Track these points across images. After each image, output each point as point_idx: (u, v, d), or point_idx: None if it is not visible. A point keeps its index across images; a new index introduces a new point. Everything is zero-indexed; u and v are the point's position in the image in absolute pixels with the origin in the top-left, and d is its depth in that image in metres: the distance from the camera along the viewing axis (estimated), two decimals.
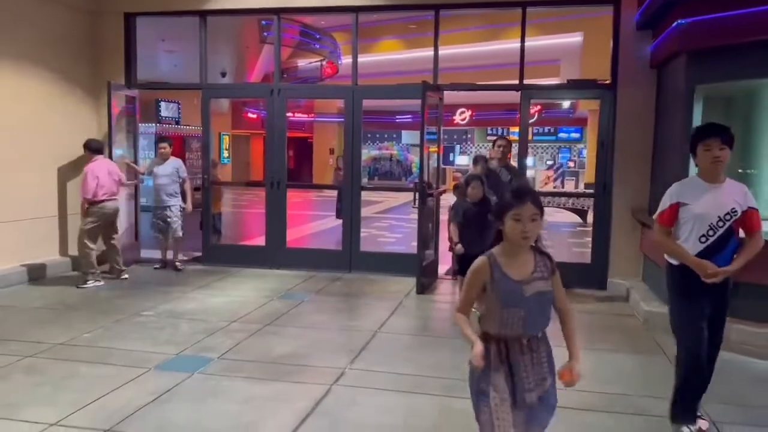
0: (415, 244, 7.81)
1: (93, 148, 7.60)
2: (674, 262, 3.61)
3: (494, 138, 7.86)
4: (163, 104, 17.19)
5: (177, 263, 8.20)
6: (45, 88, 7.97)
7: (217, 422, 3.73)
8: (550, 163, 27.73)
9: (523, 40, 7.89)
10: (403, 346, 5.38)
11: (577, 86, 8.23)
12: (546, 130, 28.49)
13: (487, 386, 2.44)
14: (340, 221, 8.91)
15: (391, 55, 17.16)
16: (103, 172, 7.38)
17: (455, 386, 4.44)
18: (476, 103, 27.79)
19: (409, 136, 29.66)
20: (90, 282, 7.25)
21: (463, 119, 28.81)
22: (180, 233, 8.18)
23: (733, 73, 6.00)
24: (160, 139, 8.97)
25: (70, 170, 8.35)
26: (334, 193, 9.13)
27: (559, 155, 28.69)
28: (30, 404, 3.91)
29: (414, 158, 28.51)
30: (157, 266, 8.30)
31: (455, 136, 32.47)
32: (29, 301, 6.59)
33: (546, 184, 23.57)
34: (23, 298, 6.68)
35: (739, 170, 6.86)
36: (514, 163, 7.59)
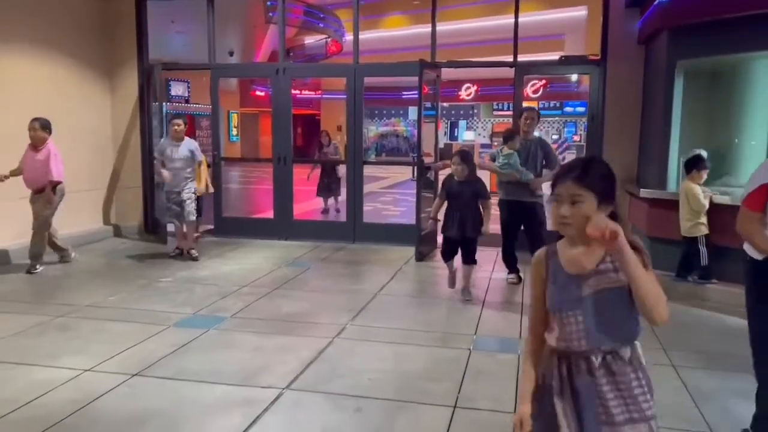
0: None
1: (51, 128, 7.04)
2: (759, 257, 2.94)
3: (522, 110, 7.02)
4: (172, 83, 17.59)
5: (192, 251, 7.61)
6: (60, 70, 8.41)
7: (230, 367, 4.23)
8: (555, 137, 27.93)
9: (516, 16, 8.23)
10: (400, 306, 5.86)
11: (568, 62, 8.56)
12: (552, 105, 28.68)
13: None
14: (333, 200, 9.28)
15: (394, 32, 17.44)
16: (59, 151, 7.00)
17: (445, 338, 4.94)
18: (482, 78, 27.95)
19: (416, 113, 30.02)
20: (69, 257, 7.34)
21: (468, 95, 29.01)
22: (193, 217, 7.56)
23: (712, 48, 6.34)
24: (174, 116, 7.96)
25: (88, 149, 8.83)
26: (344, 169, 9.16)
27: (565, 130, 28.91)
28: (66, 354, 4.42)
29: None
30: (173, 254, 7.74)
31: (461, 112, 32.67)
32: (60, 268, 7.12)
33: None
34: (54, 266, 7.20)
35: (736, 140, 7.20)
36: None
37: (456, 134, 32.84)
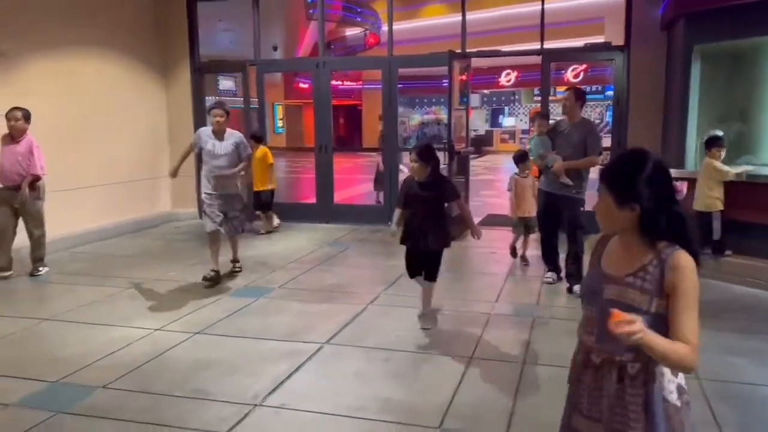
0: None
1: (31, 119, 6.57)
2: None
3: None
4: (221, 78, 18.46)
5: (236, 265, 6.55)
6: (121, 70, 9.21)
7: (277, 327, 4.88)
8: (597, 120, 27.83)
9: (543, 3, 8.58)
10: None
11: (593, 48, 8.90)
12: (594, 89, 28.54)
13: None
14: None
15: (428, 21, 17.81)
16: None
17: (467, 304, 5.48)
18: (522, 64, 28.01)
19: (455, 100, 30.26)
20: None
21: (508, 81, 29.10)
22: (240, 231, 6.54)
23: (728, 33, 6.64)
24: (214, 105, 6.39)
25: (146, 141, 9.65)
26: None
27: (607, 113, 28.75)
28: (137, 318, 5.14)
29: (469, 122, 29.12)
30: (208, 277, 6.07)
31: (503, 98, 32.78)
32: (125, 249, 7.93)
33: None
34: (119, 247, 8.02)
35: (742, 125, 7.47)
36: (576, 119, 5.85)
37: (499, 121, 32.99)
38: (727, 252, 6.40)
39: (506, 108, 32.79)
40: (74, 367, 4.09)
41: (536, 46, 8.71)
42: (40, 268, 6.65)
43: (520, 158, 7.06)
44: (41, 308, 5.49)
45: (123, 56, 9.24)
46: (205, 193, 6.15)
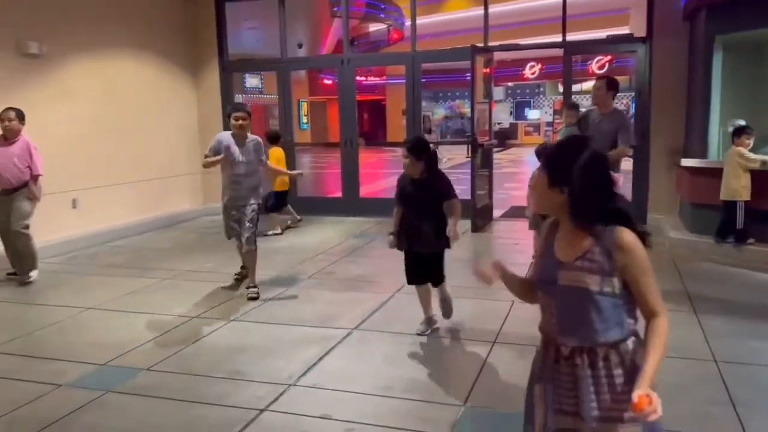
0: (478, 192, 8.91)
1: (25, 119, 6.23)
2: None
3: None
4: (247, 76, 18.80)
5: (252, 290, 5.63)
6: (154, 70, 9.54)
7: (308, 315, 5.10)
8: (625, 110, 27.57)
9: None
10: (453, 268, 6.57)
11: (615, 40, 8.96)
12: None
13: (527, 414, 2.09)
14: None
15: (452, 15, 17.88)
16: None
17: (491, 292, 5.63)
18: (546, 56, 27.86)
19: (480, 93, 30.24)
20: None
21: (533, 73, 28.98)
22: (254, 245, 5.66)
23: (749, 23, 6.70)
24: (234, 108, 5.79)
25: (180, 139, 9.97)
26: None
27: (632, 104, 28.50)
28: (175, 306, 5.40)
29: (492, 116, 29.15)
30: (230, 283, 5.98)
31: (527, 91, 32.65)
32: (160, 243, 8.25)
33: None
34: (155, 240, 8.34)
35: None
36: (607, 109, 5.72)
37: (524, 114, 32.88)
38: (750, 240, 6.46)
39: (531, 100, 32.63)
40: (119, 351, 4.37)
41: (559, 38, 8.79)
42: (30, 273, 6.26)
43: (543, 152, 7.00)
44: (84, 298, 5.79)
45: (155, 57, 9.55)
46: (225, 204, 5.70)
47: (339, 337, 4.55)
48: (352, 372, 3.98)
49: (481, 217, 8.61)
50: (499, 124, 31.15)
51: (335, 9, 13.82)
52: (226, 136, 5.65)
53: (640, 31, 8.58)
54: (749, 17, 6.56)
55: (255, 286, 5.66)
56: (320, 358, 4.18)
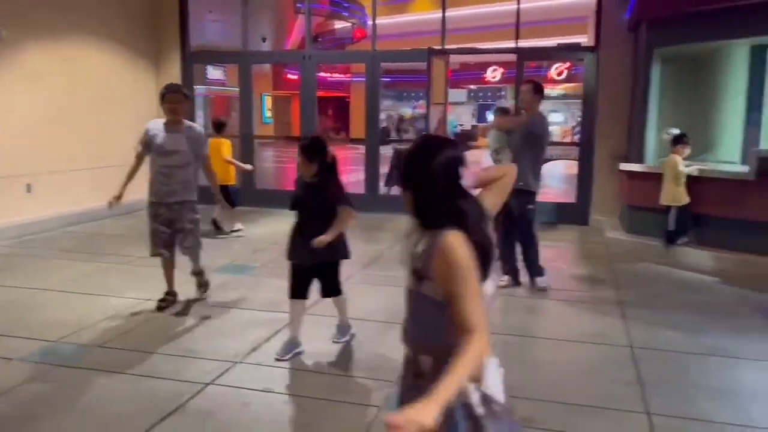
0: None
1: None
2: None
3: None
4: (210, 68, 18.77)
5: (201, 279, 5.33)
6: (114, 56, 9.57)
7: (259, 300, 5.32)
8: (580, 118, 28.27)
9: (519, 2, 9.02)
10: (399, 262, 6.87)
11: (565, 48, 9.38)
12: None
13: None
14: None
15: (413, 16, 18.20)
16: None
17: None
18: (507, 60, 28.42)
19: (451, 94, 30.61)
20: None
21: (494, 77, 29.55)
22: (199, 246, 5.17)
23: (686, 37, 7.18)
24: (166, 89, 5.08)
25: (141, 128, 9.95)
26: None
27: None
28: (129, 290, 5.55)
29: (448, 117, 29.60)
30: (163, 304, 5.03)
31: (489, 94, 33.25)
32: (115, 229, 8.32)
33: (564, 137, 24.34)
34: (110, 227, 8.40)
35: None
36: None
37: (486, 116, 33.46)
38: (680, 241, 6.91)
39: (494, 103, 33.23)
40: (73, 329, 4.51)
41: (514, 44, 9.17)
42: None
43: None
44: (38, 280, 5.87)
45: (118, 45, 9.59)
46: (150, 201, 4.98)
47: (286, 321, 4.77)
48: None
49: None
50: (461, 125, 31.71)
51: (299, 6, 13.99)
52: (156, 124, 5.05)
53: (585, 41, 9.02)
54: (686, 32, 7.03)
55: (201, 273, 5.30)
56: (267, 339, 4.41)
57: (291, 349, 4.12)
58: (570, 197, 9.47)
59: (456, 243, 1.67)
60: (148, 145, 4.99)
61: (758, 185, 6.18)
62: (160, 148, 4.94)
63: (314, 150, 3.93)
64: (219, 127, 8.14)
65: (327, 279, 4.22)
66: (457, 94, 29.56)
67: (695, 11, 6.71)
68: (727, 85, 7.81)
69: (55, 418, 3.30)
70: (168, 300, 5.07)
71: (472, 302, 1.64)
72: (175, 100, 4.96)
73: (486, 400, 1.71)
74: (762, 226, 6.19)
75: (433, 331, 1.73)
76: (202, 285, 5.36)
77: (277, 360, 4.02)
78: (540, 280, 5.74)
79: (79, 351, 4.15)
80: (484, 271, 1.73)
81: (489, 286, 1.80)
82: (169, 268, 5.14)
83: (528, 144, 5.58)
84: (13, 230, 7.64)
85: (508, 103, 31.02)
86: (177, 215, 4.94)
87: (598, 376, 3.90)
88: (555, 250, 7.24)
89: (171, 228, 4.96)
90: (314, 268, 4.11)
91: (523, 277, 5.88)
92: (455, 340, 1.61)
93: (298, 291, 4.16)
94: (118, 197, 4.98)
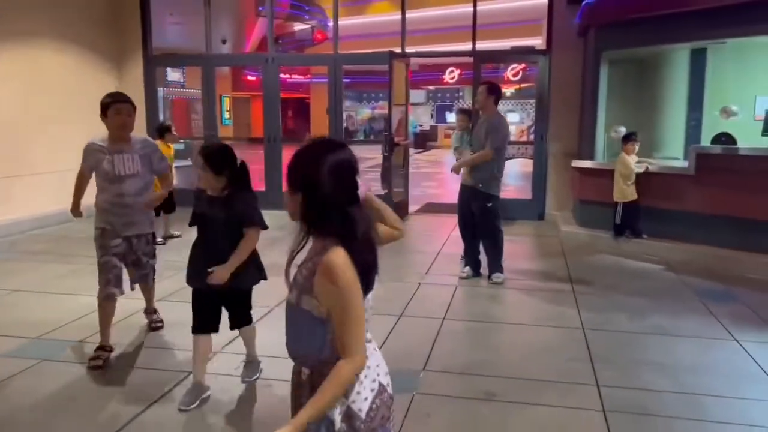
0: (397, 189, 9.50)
1: None
2: None
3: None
4: (169, 70, 18.66)
5: (155, 317, 4.77)
6: (74, 59, 9.55)
7: None
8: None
9: (475, 6, 9.40)
10: None
11: (519, 51, 9.80)
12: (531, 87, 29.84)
13: None
14: None
15: (374, 18, 18.48)
16: None
17: (400, 275, 6.22)
18: (465, 62, 28.95)
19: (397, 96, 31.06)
20: None
21: (452, 78, 30.09)
22: (153, 280, 4.66)
23: (631, 41, 7.61)
24: (113, 98, 4.29)
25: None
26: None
27: None
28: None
29: (408, 118, 30.03)
30: (99, 363, 3.99)
31: (448, 95, 33.82)
32: (82, 231, 8.33)
33: (521, 136, 24.98)
34: (76, 230, 8.43)
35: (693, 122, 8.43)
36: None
37: (444, 117, 33.99)
38: (626, 234, 7.33)
39: (452, 104, 33.79)
40: (50, 327, 4.65)
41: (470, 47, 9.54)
42: None
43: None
44: (8, 281, 5.93)
45: (79, 47, 9.60)
46: (100, 228, 4.16)
47: (261, 314, 4.98)
48: (272, 340, 4.43)
49: (397, 211, 9.17)
50: (420, 126, 32.16)
51: (260, 8, 14.13)
52: (97, 143, 4.20)
53: (540, 46, 9.45)
54: (631, 37, 7.47)
55: (155, 312, 4.80)
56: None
57: (199, 395, 3.49)
58: (527, 194, 9.88)
59: (340, 262, 1.59)
60: (92, 169, 4.22)
61: (697, 179, 6.65)
62: (108, 175, 4.07)
63: (222, 160, 3.36)
64: (162, 132, 7.51)
65: (236, 307, 3.64)
66: (416, 95, 30.01)
67: (639, 17, 7.16)
68: (670, 86, 8.32)
69: (41, 410, 3.46)
70: (103, 356, 4.04)
71: (351, 327, 1.61)
72: (128, 112, 4.12)
73: (349, 415, 1.66)
74: (701, 217, 6.66)
75: (312, 346, 1.67)
76: (157, 322, 4.75)
77: (181, 411, 3.39)
78: (495, 276, 5.96)
79: (61, 346, 4.30)
80: (366, 285, 1.67)
81: (369, 297, 1.72)
82: (111, 312, 4.21)
83: (483, 145, 5.71)
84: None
85: (466, 103, 31.71)
86: (134, 248, 4.25)
87: (554, 354, 4.24)
88: (513, 243, 7.59)
89: (124, 261, 4.26)
90: (221, 294, 3.47)
91: (484, 269, 6.21)
92: (333, 354, 1.63)
93: (204, 323, 3.49)
94: (77, 212, 4.51)
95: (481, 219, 5.85)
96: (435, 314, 5.06)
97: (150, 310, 4.78)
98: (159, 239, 6.85)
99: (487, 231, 5.92)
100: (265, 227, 3.55)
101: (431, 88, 32.59)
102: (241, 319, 3.74)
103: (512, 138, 21.27)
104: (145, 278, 4.50)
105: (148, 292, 4.72)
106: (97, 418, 3.37)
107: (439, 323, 4.85)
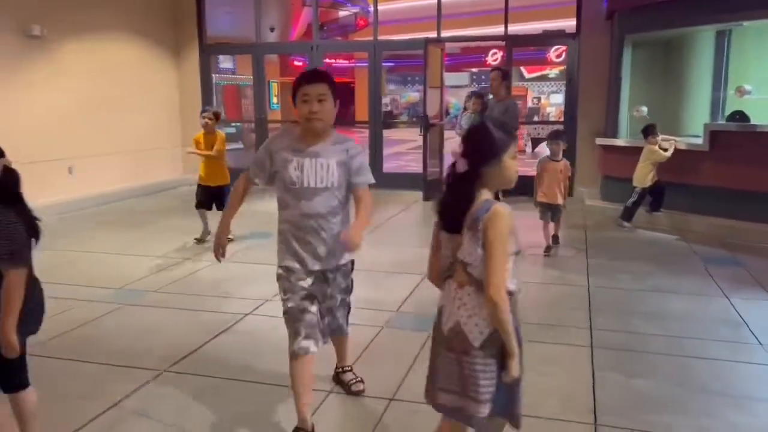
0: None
1: None
2: None
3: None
4: (221, 57, 19.62)
5: (351, 376, 3.53)
6: (138, 49, 10.50)
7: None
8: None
9: None
10: (406, 227, 7.87)
11: (550, 35, 10.23)
12: None
13: None
14: None
15: (413, 3, 18.87)
16: None
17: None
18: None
19: (452, 78, 31.24)
20: None
21: (495, 60, 30.18)
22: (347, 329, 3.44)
23: (652, 25, 8.02)
24: (308, 74, 2.96)
25: (162, 116, 10.99)
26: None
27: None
28: (171, 252, 6.53)
29: (452, 100, 30.33)
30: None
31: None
32: (148, 205, 9.32)
33: (560, 117, 25.08)
34: (142, 204, 9.40)
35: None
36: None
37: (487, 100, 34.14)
38: (627, 225, 7.64)
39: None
40: (129, 280, 5.52)
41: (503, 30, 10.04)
42: None
43: (553, 137, 6.34)
44: (88, 245, 6.86)
45: (141, 38, 10.53)
46: (284, 267, 3.09)
47: None
48: None
49: (431, 188, 9.84)
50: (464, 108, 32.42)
51: None
52: (284, 139, 3.02)
53: (572, 28, 9.87)
54: (653, 21, 7.89)
55: (350, 368, 3.55)
56: None
57: None
58: None
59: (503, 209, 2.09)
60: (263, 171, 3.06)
61: (711, 155, 7.07)
62: (292, 186, 2.94)
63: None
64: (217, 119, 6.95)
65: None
66: (459, 78, 30.30)
67: (661, 1, 7.56)
68: (694, 67, 8.67)
69: (130, 339, 4.30)
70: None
71: None
72: (321, 93, 2.87)
73: None
74: (715, 191, 7.09)
75: None
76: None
77: None
78: None
79: (139, 294, 5.15)
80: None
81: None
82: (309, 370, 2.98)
83: None
84: (58, 207, 8.62)
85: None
86: (331, 290, 3.10)
87: (556, 306, 4.87)
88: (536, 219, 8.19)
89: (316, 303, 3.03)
90: None
91: None
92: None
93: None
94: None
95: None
96: None
97: (344, 368, 3.54)
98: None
99: None
100: (22, 265, 2.42)
101: (474, 70, 32.79)
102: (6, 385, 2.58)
103: (554, 119, 21.60)
104: (341, 325, 3.30)
105: (338, 343, 3.47)
106: (177, 342, 4.19)
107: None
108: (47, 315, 2.77)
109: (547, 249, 6.32)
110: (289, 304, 3.02)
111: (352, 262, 3.21)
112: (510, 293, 2.10)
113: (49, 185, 8.59)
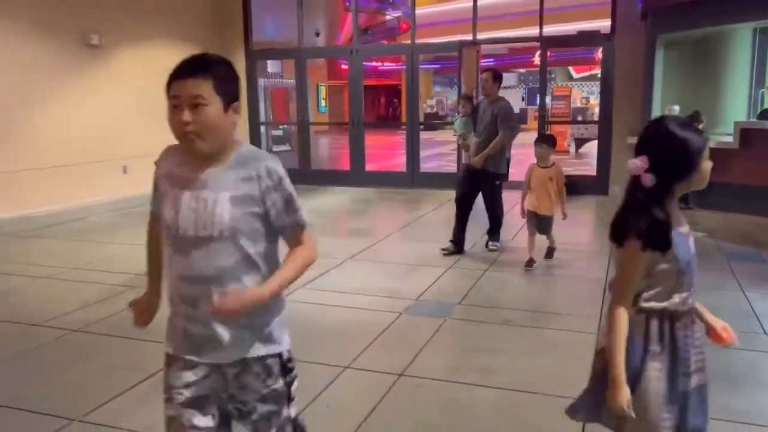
0: None
1: None
2: None
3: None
4: (269, 62, 20.30)
5: None
6: (187, 55, 11.08)
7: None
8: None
9: None
10: (435, 224, 8.12)
11: (584, 36, 10.32)
12: None
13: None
14: None
15: (451, 5, 19.11)
16: None
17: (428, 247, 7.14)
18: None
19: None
20: None
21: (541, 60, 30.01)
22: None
23: (684, 24, 8.06)
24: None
25: None
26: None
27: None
28: None
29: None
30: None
31: (539, 77, 33.75)
32: None
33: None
34: None
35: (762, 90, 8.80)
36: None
37: (535, 99, 33.98)
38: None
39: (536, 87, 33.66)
40: None
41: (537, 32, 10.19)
42: None
43: (540, 141, 5.87)
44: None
45: (188, 44, 11.07)
46: (165, 355, 2.02)
47: (336, 264, 6.11)
48: (342, 282, 5.55)
49: None
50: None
51: (347, 4, 15.31)
52: (167, 159, 2.13)
53: (607, 28, 9.95)
54: (684, 21, 7.93)
55: None
56: (321, 275, 5.74)
57: None
58: (592, 171, 10.44)
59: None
60: None
61: (741, 153, 7.09)
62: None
63: None
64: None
65: None
66: (507, 79, 30.27)
67: (692, 1, 7.61)
68: (730, 65, 8.63)
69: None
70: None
71: None
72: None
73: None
74: (745, 188, 7.10)
75: None
76: None
77: None
78: (492, 244, 6.56)
79: None
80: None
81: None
82: None
83: (488, 130, 6.10)
84: (114, 204, 9.27)
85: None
86: None
87: (572, 296, 5.07)
88: (571, 216, 8.33)
89: None
90: None
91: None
92: None
93: None
94: None
95: (489, 196, 6.40)
96: (480, 267, 5.97)
97: None
98: None
99: (494, 205, 6.48)
100: None
101: (522, 71, 32.65)
102: None
103: (593, 117, 21.32)
104: None
105: None
106: None
107: (481, 273, 5.76)
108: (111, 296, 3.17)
109: (529, 262, 5.77)
110: (169, 413, 1.93)
111: (287, 353, 1.96)
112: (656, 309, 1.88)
113: (106, 183, 9.22)
